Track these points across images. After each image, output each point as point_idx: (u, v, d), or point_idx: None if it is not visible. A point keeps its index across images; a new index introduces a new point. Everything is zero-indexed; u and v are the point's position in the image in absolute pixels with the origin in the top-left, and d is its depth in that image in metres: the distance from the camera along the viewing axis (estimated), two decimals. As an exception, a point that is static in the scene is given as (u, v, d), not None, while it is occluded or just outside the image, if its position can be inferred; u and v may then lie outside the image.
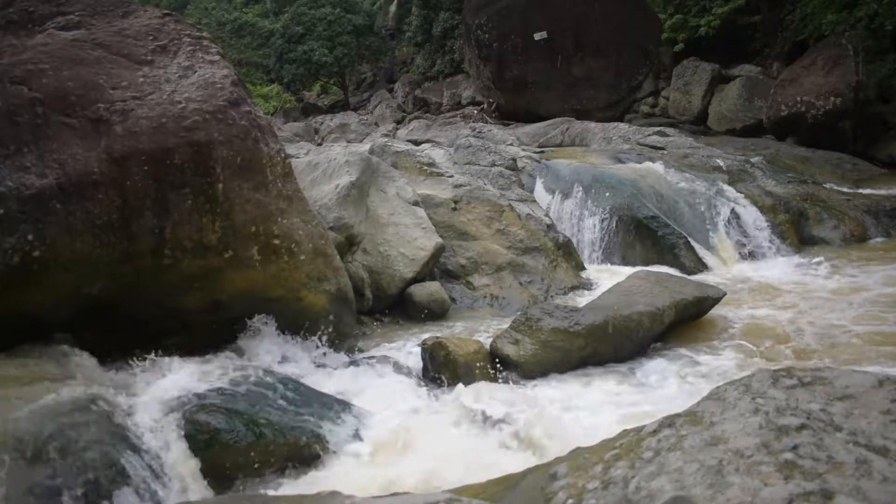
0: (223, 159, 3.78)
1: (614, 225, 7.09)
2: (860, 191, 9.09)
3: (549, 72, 14.89)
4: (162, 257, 3.71)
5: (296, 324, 4.25)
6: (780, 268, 6.77)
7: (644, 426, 2.05)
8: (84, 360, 3.56)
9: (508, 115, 15.38)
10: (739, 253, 7.17)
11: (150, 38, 4.07)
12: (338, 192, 5.64)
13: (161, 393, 3.30)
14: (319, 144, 13.10)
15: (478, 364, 4.21)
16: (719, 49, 14.58)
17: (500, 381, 4.15)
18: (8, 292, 3.38)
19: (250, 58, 25.91)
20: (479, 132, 10.11)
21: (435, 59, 21.27)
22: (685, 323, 4.92)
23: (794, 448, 1.65)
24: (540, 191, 7.92)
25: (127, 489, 2.55)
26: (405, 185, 6.33)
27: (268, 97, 25.67)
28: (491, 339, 4.52)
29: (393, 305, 5.65)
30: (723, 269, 6.86)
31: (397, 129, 15.90)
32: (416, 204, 6.16)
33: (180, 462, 2.94)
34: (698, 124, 14.23)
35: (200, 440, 3.03)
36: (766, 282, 6.27)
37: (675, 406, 3.03)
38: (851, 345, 4.41)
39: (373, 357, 4.46)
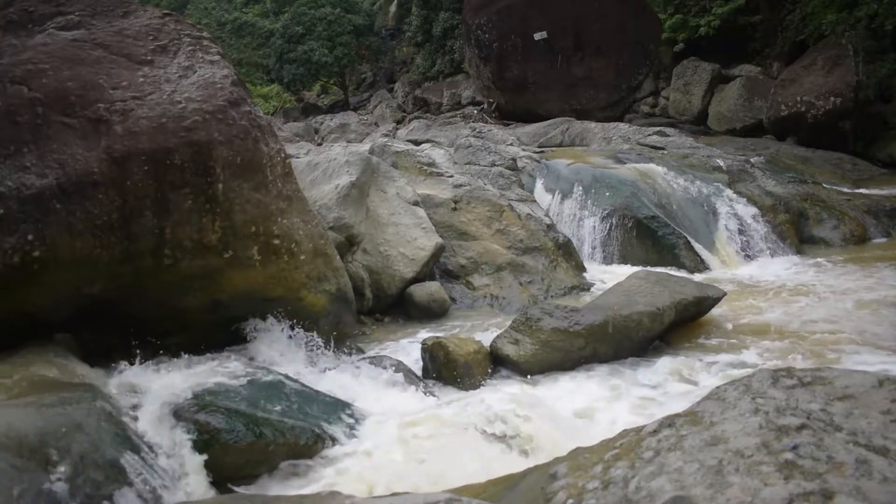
0: (223, 159, 3.78)
1: (614, 225, 7.09)
2: (860, 191, 9.11)
3: (549, 72, 14.90)
4: (162, 257, 3.71)
5: (296, 324, 4.25)
6: (780, 268, 6.77)
7: (644, 426, 2.05)
8: (84, 361, 3.56)
9: (508, 115, 15.38)
10: (739, 253, 7.17)
11: (150, 38, 4.07)
12: (338, 192, 5.64)
13: (161, 393, 3.29)
14: (319, 144, 13.09)
15: (478, 364, 4.21)
16: (719, 49, 14.60)
17: (499, 381, 4.15)
18: (8, 292, 3.38)
19: (250, 58, 25.94)
20: (479, 132, 10.11)
21: (435, 59, 21.29)
22: (685, 323, 4.92)
23: (794, 448, 1.65)
24: (540, 191, 7.92)
25: (127, 489, 2.55)
26: (405, 185, 6.33)
27: (268, 97, 25.68)
28: (491, 339, 4.52)
29: (393, 305, 5.65)
30: (723, 269, 6.86)
31: (397, 129, 15.89)
32: (416, 204, 6.16)
33: (180, 462, 2.94)
34: (698, 124, 14.25)
35: (200, 440, 3.02)
36: (766, 282, 6.27)
37: (675, 406, 3.03)
38: (851, 345, 4.41)
39: (373, 357, 4.46)
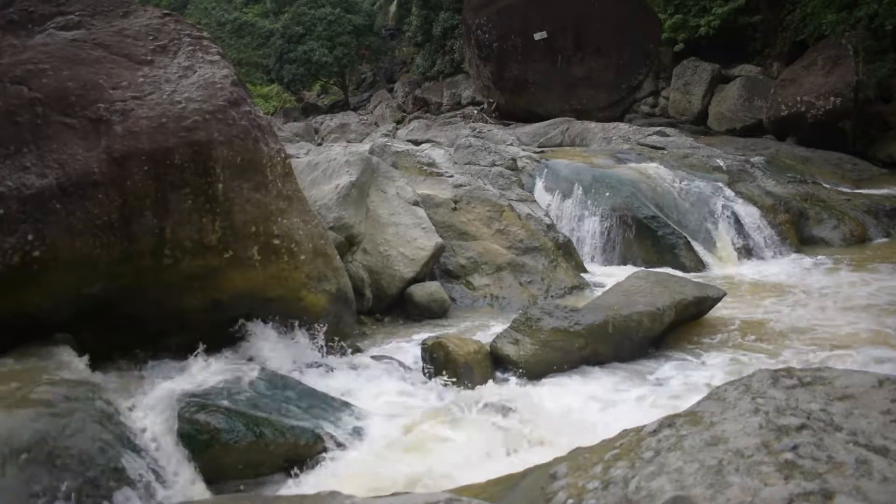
0: (223, 159, 3.78)
1: (614, 225, 7.09)
2: (860, 191, 9.11)
3: (549, 72, 14.89)
4: (162, 257, 3.71)
5: (296, 324, 4.25)
6: (780, 268, 6.77)
7: (644, 426, 2.05)
8: (84, 361, 3.55)
9: (508, 115, 15.38)
10: (739, 253, 7.17)
11: (150, 38, 4.07)
12: (338, 192, 5.64)
13: (161, 393, 3.30)
14: (319, 144, 13.09)
15: (478, 364, 4.21)
16: (719, 49, 14.58)
17: (499, 381, 4.15)
18: (8, 292, 3.38)
19: (250, 58, 25.93)
20: (479, 132, 10.11)
21: (435, 59, 21.29)
22: (685, 323, 4.92)
23: (794, 448, 1.65)
24: (540, 191, 7.92)
25: (127, 489, 2.55)
26: (405, 185, 6.33)
27: (268, 97, 25.68)
28: (491, 339, 4.52)
29: (393, 305, 5.65)
30: (723, 268, 6.86)
31: (397, 129, 15.88)
32: (416, 204, 6.16)
33: (180, 462, 2.94)
34: (698, 124, 14.24)
35: (200, 440, 3.02)
36: (767, 282, 6.27)
37: (675, 406, 3.04)
38: (851, 345, 4.41)
39: (373, 357, 4.46)
